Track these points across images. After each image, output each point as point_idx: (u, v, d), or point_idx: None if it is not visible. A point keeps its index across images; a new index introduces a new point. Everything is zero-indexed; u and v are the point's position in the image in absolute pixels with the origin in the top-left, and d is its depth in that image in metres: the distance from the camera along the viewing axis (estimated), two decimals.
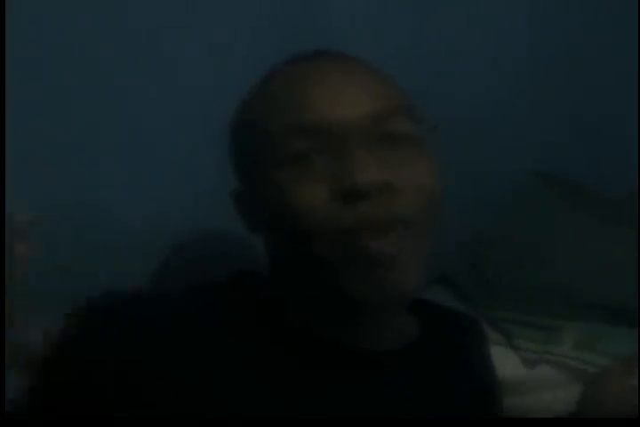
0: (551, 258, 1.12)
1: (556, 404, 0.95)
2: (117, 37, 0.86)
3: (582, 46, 1.27)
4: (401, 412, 0.72)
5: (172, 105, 0.91)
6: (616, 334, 1.04)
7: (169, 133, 0.91)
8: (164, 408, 0.64)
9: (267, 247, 0.75)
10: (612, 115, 1.31)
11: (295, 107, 0.68)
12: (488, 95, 1.18)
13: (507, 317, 1.09)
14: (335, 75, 0.70)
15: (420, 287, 0.70)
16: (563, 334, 1.05)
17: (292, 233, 0.68)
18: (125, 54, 0.87)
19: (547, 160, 1.24)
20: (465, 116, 1.14)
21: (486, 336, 0.92)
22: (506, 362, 1.00)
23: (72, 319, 0.70)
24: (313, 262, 0.68)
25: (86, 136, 0.86)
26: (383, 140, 0.68)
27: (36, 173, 0.82)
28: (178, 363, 0.66)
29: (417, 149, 0.70)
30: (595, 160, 1.28)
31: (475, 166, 1.17)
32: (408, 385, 0.75)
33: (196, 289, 0.74)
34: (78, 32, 0.84)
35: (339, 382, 0.70)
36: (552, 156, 1.25)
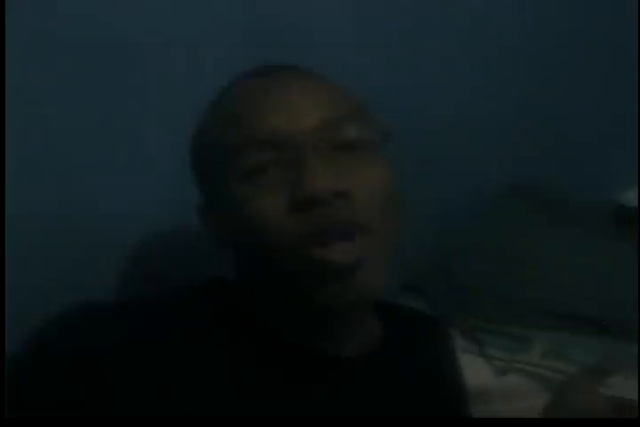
0: (522, 267, 1.13)
1: (525, 412, 0.95)
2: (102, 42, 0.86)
3: (557, 57, 1.28)
4: (371, 416, 0.72)
5: (153, 105, 0.90)
6: (585, 343, 1.05)
7: (154, 136, 0.90)
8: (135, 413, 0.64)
9: (233, 256, 0.75)
10: (584, 126, 1.32)
11: (249, 120, 0.69)
12: (462, 107, 1.19)
13: (477, 325, 1.09)
14: (287, 88, 0.71)
15: (383, 292, 0.70)
16: (533, 342, 1.06)
17: (253, 245, 0.69)
18: (113, 58, 0.86)
19: (518, 170, 1.25)
20: (438, 127, 1.14)
21: (451, 336, 0.92)
22: (476, 370, 1.00)
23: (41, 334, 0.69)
24: (276, 273, 0.69)
25: (73, 136, 0.85)
26: (337, 148, 0.69)
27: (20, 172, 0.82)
28: (149, 369, 0.66)
29: (371, 154, 0.71)
30: (567, 171, 1.29)
31: (448, 176, 1.17)
32: (377, 389, 0.75)
33: (169, 295, 0.75)
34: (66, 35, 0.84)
35: (308, 387, 0.70)
36: (524, 166, 1.26)
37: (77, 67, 0.84)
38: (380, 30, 1.09)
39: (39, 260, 0.83)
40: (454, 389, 0.87)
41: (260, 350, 0.70)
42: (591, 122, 1.33)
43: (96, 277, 0.86)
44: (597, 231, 1.16)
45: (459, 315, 1.10)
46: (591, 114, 1.32)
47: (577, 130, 1.32)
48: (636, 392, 0.80)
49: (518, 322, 1.09)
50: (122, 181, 0.88)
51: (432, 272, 1.16)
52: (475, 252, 1.16)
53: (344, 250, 0.67)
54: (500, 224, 1.19)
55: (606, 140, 1.34)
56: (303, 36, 1.00)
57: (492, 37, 1.21)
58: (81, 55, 0.84)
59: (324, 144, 0.68)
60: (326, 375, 0.72)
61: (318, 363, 0.72)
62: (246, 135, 0.69)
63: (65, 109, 0.83)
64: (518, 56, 1.25)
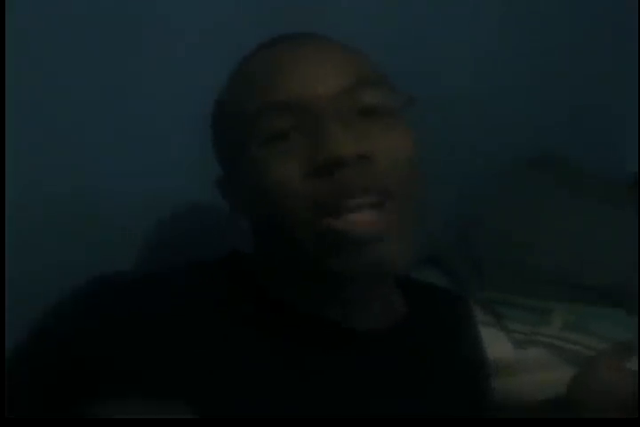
0: (540, 239, 1.12)
1: (546, 385, 0.95)
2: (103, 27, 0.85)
3: (576, 31, 1.26)
4: (388, 392, 0.72)
5: (163, 87, 0.89)
6: (604, 314, 1.05)
7: (161, 115, 0.90)
8: (163, 383, 0.65)
9: (252, 228, 0.75)
10: (599, 100, 1.31)
11: (270, 87, 0.68)
12: (479, 77, 1.18)
13: (495, 297, 1.09)
14: (307, 54, 0.70)
15: (409, 262, 0.69)
16: (552, 315, 1.06)
17: (273, 212, 0.67)
18: (114, 41, 0.85)
19: (534, 141, 1.24)
20: (453, 98, 1.13)
21: (474, 313, 0.91)
22: (496, 343, 1.00)
23: (64, 307, 0.69)
24: (296, 241, 0.67)
25: (84, 116, 0.85)
26: (359, 113, 0.68)
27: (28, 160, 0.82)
28: (171, 342, 0.66)
29: (393, 120, 0.70)
30: (582, 142, 1.28)
31: (463, 147, 1.16)
32: (396, 364, 0.74)
33: (186, 269, 0.74)
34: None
35: (326, 360, 0.70)
36: (539, 137, 1.25)
37: (88, 47, 0.83)
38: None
39: (52, 244, 0.83)
40: (477, 364, 0.87)
41: (276, 322, 0.70)
42: (607, 92, 1.32)
43: (112, 260, 0.85)
44: (615, 201, 1.15)
45: (477, 288, 1.10)
46: (607, 84, 1.31)
47: (592, 100, 1.30)
48: None
49: (537, 294, 1.08)
50: (137, 159, 0.88)
51: (450, 244, 1.16)
52: (492, 223, 1.16)
53: (363, 221, 0.65)
54: (516, 195, 1.18)
55: (622, 112, 1.33)
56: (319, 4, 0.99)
57: (510, 7, 1.20)
58: (92, 37, 0.83)
59: (345, 109, 0.67)
60: (340, 348, 0.71)
61: (333, 335, 0.71)
62: (266, 100, 0.68)
63: (75, 89, 0.83)
64: (537, 26, 1.24)
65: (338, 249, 0.66)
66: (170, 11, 0.89)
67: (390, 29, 1.07)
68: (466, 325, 0.88)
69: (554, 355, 1.01)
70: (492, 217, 1.16)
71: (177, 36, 0.90)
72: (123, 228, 0.88)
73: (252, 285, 0.72)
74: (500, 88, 1.20)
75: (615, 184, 1.22)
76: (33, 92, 0.80)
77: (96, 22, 0.84)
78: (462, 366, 0.83)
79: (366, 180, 0.66)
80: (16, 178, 0.80)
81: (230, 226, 0.84)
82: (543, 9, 1.25)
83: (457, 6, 1.15)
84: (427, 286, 0.89)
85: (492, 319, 1.06)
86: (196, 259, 0.76)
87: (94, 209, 0.87)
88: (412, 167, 0.69)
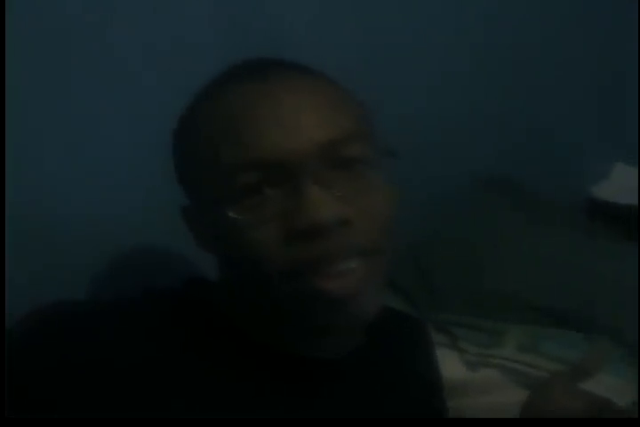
0: (495, 261, 1.12)
1: (499, 407, 0.95)
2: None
3: (531, 49, 1.27)
4: (350, 417, 0.72)
5: (128, 106, 0.88)
6: (558, 336, 1.05)
7: (123, 136, 0.88)
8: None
9: (219, 263, 0.73)
10: (557, 124, 1.32)
11: (245, 138, 0.65)
12: (435, 98, 1.18)
13: (450, 319, 1.09)
14: (286, 99, 0.66)
15: (380, 306, 0.69)
16: (506, 336, 1.05)
17: (247, 269, 0.66)
18: (80, 53, 0.84)
19: (490, 164, 1.24)
20: (410, 119, 1.13)
21: (431, 337, 0.91)
22: (450, 364, 0.99)
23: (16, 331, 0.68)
24: (271, 298, 0.67)
25: (38, 134, 0.83)
26: (338, 168, 0.65)
27: None
28: (127, 372, 0.65)
29: (373, 174, 0.67)
30: (538, 164, 1.28)
31: (418, 171, 1.16)
32: (361, 389, 0.74)
33: (143, 297, 0.73)
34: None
35: (287, 390, 0.69)
36: (496, 160, 1.25)
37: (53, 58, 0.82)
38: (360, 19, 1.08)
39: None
40: (433, 386, 0.87)
41: (237, 353, 0.69)
42: (567, 114, 1.33)
43: (72, 281, 0.84)
44: (570, 225, 1.16)
45: (431, 309, 1.10)
46: (566, 103, 1.32)
47: (550, 123, 1.32)
48: (611, 391, 0.81)
49: (491, 316, 1.08)
50: (95, 181, 0.87)
51: (404, 266, 1.16)
52: (447, 245, 1.16)
53: (343, 279, 0.64)
54: (471, 218, 1.18)
55: (580, 133, 1.35)
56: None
57: (477, 31, 1.20)
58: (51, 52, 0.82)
59: (325, 165, 0.64)
60: (312, 377, 0.71)
61: (304, 366, 0.71)
62: (242, 154, 0.64)
63: (29, 108, 0.81)
64: (498, 49, 1.25)
65: (315, 306, 0.65)
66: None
67: (351, 50, 1.06)
68: (423, 347, 0.88)
69: (507, 376, 1.00)
70: (446, 239, 1.16)
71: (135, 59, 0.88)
72: (79, 253, 0.86)
73: (212, 315, 0.71)
74: (457, 110, 1.20)
75: (572, 207, 1.24)
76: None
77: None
78: (419, 388, 0.82)
79: (346, 245, 0.64)
80: None
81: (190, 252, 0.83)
82: (493, 32, 1.25)
83: (414, 22, 1.15)
84: (383, 310, 0.88)
85: (446, 340, 1.05)
86: (154, 286, 0.74)
87: (53, 233, 0.85)
88: (390, 224, 0.67)
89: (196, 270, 0.78)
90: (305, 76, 0.69)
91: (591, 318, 1.05)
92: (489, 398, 1.00)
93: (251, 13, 0.96)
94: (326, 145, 0.65)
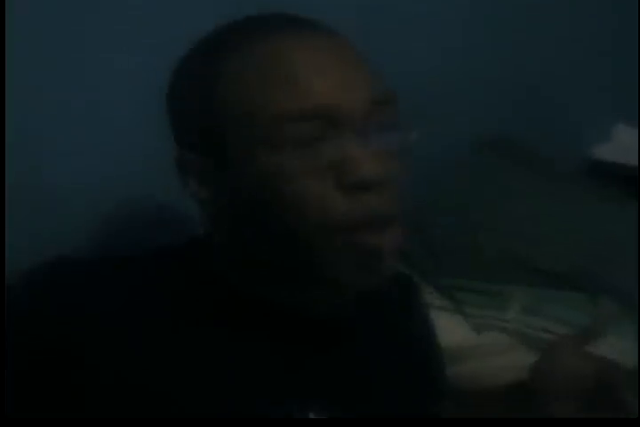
0: (496, 224, 1.12)
1: (505, 370, 0.95)
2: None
3: (531, 9, 1.26)
4: (351, 379, 0.72)
5: (122, 69, 0.87)
6: (562, 298, 1.05)
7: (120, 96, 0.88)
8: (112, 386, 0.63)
9: (225, 219, 0.71)
10: (554, 79, 1.31)
11: (292, 88, 0.64)
12: (432, 60, 1.16)
13: (453, 283, 1.09)
14: (327, 54, 0.66)
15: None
16: (510, 299, 1.06)
17: (282, 222, 0.66)
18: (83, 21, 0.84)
19: (490, 126, 1.23)
20: (405, 82, 1.12)
21: (423, 296, 0.92)
22: (455, 329, 1.00)
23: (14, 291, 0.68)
24: (304, 249, 0.66)
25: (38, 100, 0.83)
26: (379, 129, 0.66)
27: None
28: (130, 335, 0.65)
29: (399, 139, 0.68)
30: (542, 125, 1.28)
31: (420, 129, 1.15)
32: (359, 350, 0.75)
33: (145, 255, 0.72)
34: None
35: (290, 351, 0.70)
36: (496, 122, 1.24)
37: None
38: None
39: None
40: (428, 347, 0.87)
41: (242, 314, 0.69)
42: (567, 75, 1.32)
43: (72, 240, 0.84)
44: (572, 186, 1.16)
45: (435, 273, 1.10)
46: (566, 64, 1.31)
47: (551, 84, 1.30)
48: (617, 352, 0.81)
49: (495, 279, 1.09)
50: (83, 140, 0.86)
51: (407, 231, 1.15)
52: (447, 209, 1.16)
53: (389, 237, 0.66)
54: (472, 180, 1.18)
55: (580, 93, 1.34)
56: None
57: None
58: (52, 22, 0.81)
59: (369, 123, 0.65)
60: (316, 338, 0.71)
61: (308, 326, 0.71)
62: (292, 107, 0.64)
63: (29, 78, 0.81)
64: (497, 8, 1.24)
65: (357, 262, 0.66)
66: None
67: (350, 10, 1.05)
68: (416, 306, 0.88)
69: (512, 339, 1.01)
70: (447, 203, 1.16)
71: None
72: (79, 214, 0.86)
73: (214, 275, 0.71)
74: (457, 71, 1.19)
75: (573, 167, 1.23)
76: None
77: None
78: (414, 349, 0.82)
79: (386, 203, 0.65)
80: None
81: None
82: None
83: None
84: None
85: (451, 305, 1.06)
86: (155, 245, 0.74)
87: (52, 195, 0.85)
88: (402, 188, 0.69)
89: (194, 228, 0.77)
90: (331, 33, 0.69)
91: (595, 279, 1.05)
92: (495, 361, 1.01)
93: None
94: (375, 102, 0.66)
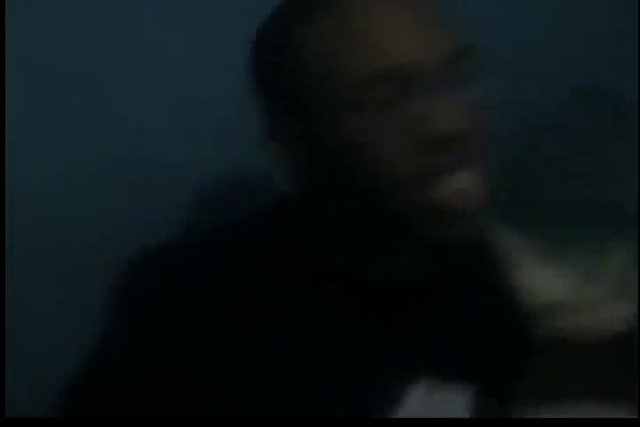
0: (595, 174, 1.09)
1: (607, 322, 0.93)
2: None
3: None
4: (448, 344, 0.74)
5: (204, 42, 0.88)
6: None
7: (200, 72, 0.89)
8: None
9: (308, 181, 0.72)
10: None
11: (370, 49, 0.65)
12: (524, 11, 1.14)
13: (554, 233, 1.06)
14: (401, 10, 0.67)
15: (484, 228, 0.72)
16: (612, 250, 1.03)
17: (367, 180, 0.67)
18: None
19: (587, 75, 1.20)
20: (502, 34, 1.10)
21: (497, 254, 0.91)
22: (556, 281, 0.98)
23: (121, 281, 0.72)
24: (384, 206, 0.67)
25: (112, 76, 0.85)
26: (457, 82, 0.67)
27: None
28: (227, 302, 0.67)
29: (479, 89, 0.69)
30: (623, 72, 1.23)
31: (516, 85, 1.13)
32: (439, 314, 0.75)
33: (231, 229, 0.74)
34: None
35: (386, 320, 0.71)
36: (592, 70, 1.21)
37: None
38: None
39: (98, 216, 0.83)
40: (511, 305, 0.87)
41: (333, 285, 0.70)
42: None
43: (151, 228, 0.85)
44: None
45: (530, 225, 1.08)
46: None
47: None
48: None
49: (595, 230, 1.06)
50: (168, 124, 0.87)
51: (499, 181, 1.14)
52: (543, 159, 1.13)
53: (465, 190, 0.66)
54: (569, 131, 1.15)
55: None
56: None
57: None
58: None
59: (448, 78, 0.66)
60: (391, 304, 0.72)
61: (384, 292, 0.72)
62: (373, 66, 0.65)
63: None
64: None
65: (436, 219, 0.67)
66: None
67: None
68: (493, 265, 0.89)
69: (616, 291, 0.98)
70: (544, 153, 1.13)
71: None
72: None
73: (301, 246, 0.72)
74: (552, 22, 1.17)
75: None
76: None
77: None
78: (494, 308, 0.83)
79: (468, 154, 0.66)
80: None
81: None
82: None
83: None
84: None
85: (552, 256, 1.03)
86: (238, 218, 0.75)
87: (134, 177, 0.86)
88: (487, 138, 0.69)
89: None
90: None
91: None
92: (599, 314, 0.98)
93: None
94: (451, 56, 0.66)
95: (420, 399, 0.67)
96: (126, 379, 0.65)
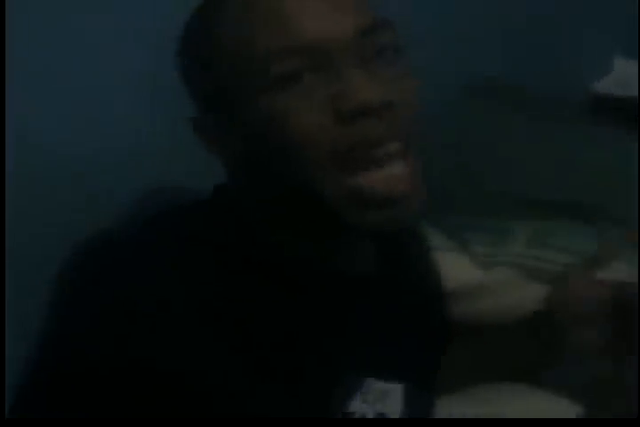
0: (496, 161, 1.13)
1: (516, 304, 0.96)
2: None
3: None
4: (375, 334, 0.74)
5: (126, 30, 0.86)
6: (566, 229, 1.06)
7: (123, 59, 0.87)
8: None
9: (240, 172, 0.72)
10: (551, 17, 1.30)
11: (278, 25, 0.65)
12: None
13: (457, 222, 1.09)
14: None
15: (423, 207, 0.69)
16: (514, 234, 1.06)
17: (290, 159, 0.65)
18: None
19: (493, 65, 1.22)
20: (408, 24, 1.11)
21: (424, 236, 0.92)
22: (463, 268, 1.00)
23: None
24: (310, 191, 0.66)
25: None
26: (374, 55, 0.66)
27: None
28: (174, 291, 0.65)
29: (402, 62, 0.68)
30: (539, 63, 1.27)
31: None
32: (375, 305, 0.75)
33: (176, 213, 0.73)
34: None
35: (315, 305, 0.70)
36: (498, 60, 1.24)
37: None
38: None
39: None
40: (435, 289, 0.89)
41: (273, 268, 0.69)
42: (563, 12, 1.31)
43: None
44: (573, 120, 1.15)
45: (436, 214, 1.10)
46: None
47: (548, 21, 1.29)
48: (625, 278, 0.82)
49: (497, 215, 1.09)
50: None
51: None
52: (445, 148, 1.15)
53: (393, 176, 0.65)
54: (471, 117, 1.18)
55: (578, 29, 1.33)
56: None
57: None
58: None
59: (363, 51, 0.65)
60: (336, 292, 0.72)
61: (324, 280, 0.71)
62: (280, 43, 0.64)
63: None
64: None
65: (364, 206, 0.65)
66: None
67: None
68: (425, 251, 0.90)
69: (521, 273, 1.01)
70: (446, 142, 1.16)
71: None
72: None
73: (245, 228, 0.71)
74: (452, 11, 1.18)
75: (574, 105, 1.23)
76: None
77: None
78: (426, 295, 0.85)
79: (391, 127, 0.65)
80: None
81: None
82: None
83: None
84: None
85: (456, 244, 1.06)
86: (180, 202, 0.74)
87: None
88: (416, 112, 0.68)
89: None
90: None
91: (598, 210, 1.06)
92: (505, 296, 1.01)
93: None
94: (363, 30, 0.65)
95: (356, 395, 0.68)
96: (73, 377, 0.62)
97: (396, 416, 0.68)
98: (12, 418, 0.63)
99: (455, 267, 0.94)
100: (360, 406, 0.66)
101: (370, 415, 0.67)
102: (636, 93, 1.22)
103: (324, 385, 0.67)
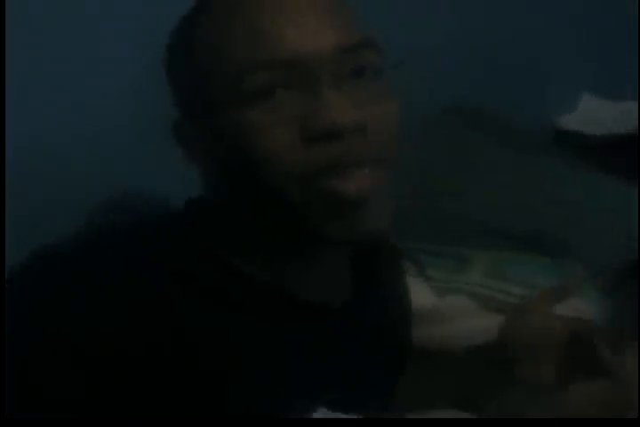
0: (459, 188, 1.13)
1: (467, 332, 0.96)
2: None
3: None
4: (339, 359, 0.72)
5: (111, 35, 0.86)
6: (524, 261, 1.07)
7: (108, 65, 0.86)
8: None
9: (216, 181, 0.70)
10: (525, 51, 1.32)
11: (254, 39, 0.63)
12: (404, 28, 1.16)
13: (416, 247, 1.09)
14: (298, 2, 0.64)
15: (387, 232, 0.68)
16: (472, 262, 1.07)
17: (257, 173, 0.64)
18: None
19: (460, 93, 1.23)
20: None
21: (400, 261, 0.91)
22: (418, 292, 1.00)
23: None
24: (280, 203, 0.64)
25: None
26: (352, 75, 0.64)
27: None
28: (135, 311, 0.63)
29: (382, 83, 0.66)
30: (507, 93, 1.28)
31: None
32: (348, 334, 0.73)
33: (147, 224, 0.71)
34: None
35: (289, 332, 0.69)
36: (465, 88, 1.24)
37: None
38: None
39: None
40: (404, 312, 0.88)
41: (234, 294, 0.67)
42: (534, 47, 1.33)
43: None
44: (539, 153, 1.17)
45: (395, 237, 1.10)
46: (533, 33, 1.32)
47: (518, 53, 1.31)
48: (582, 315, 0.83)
49: (456, 242, 1.09)
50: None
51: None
52: (412, 173, 1.16)
53: (358, 180, 0.63)
54: (438, 145, 1.18)
55: (546, 63, 1.35)
56: None
57: None
58: None
59: (341, 70, 0.63)
60: (310, 323, 0.70)
61: (296, 309, 0.69)
62: (258, 55, 0.62)
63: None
64: None
65: (331, 210, 0.64)
66: None
67: None
68: (398, 274, 0.88)
69: (475, 302, 1.02)
70: (414, 167, 1.16)
71: None
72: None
73: (207, 255, 0.68)
74: (428, 40, 1.19)
75: (541, 138, 1.25)
76: None
77: None
78: (396, 318, 0.83)
79: (361, 150, 0.63)
80: None
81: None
82: None
83: None
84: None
85: (413, 268, 1.06)
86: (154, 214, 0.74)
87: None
88: (395, 134, 0.66)
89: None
90: None
91: (558, 243, 1.07)
92: (458, 324, 1.01)
93: None
94: (342, 48, 0.63)
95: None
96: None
97: None
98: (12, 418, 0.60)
99: (411, 290, 0.93)
100: None
101: None
102: (601, 131, 1.24)
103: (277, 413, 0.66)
